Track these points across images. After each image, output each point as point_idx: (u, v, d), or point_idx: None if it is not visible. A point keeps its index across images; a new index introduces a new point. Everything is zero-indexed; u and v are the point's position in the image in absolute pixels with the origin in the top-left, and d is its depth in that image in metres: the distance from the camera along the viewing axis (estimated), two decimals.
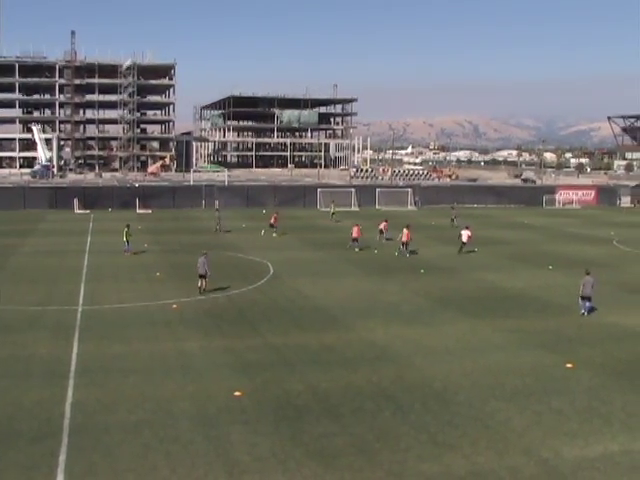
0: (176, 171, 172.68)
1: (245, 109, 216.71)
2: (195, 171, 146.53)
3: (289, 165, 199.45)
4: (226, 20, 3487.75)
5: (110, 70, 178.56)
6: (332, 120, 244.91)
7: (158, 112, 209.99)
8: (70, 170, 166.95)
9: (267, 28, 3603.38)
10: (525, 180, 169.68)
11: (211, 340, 29.24)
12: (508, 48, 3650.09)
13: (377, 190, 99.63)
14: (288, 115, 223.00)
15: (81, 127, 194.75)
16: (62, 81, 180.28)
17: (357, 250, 54.61)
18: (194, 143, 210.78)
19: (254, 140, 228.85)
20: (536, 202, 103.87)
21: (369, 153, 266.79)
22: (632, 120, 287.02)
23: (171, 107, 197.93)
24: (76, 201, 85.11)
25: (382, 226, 61.12)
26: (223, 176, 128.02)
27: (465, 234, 54.84)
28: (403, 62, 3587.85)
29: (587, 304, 35.00)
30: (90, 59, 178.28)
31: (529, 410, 21.82)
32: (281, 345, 28.65)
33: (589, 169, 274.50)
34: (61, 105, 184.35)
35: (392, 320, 33.08)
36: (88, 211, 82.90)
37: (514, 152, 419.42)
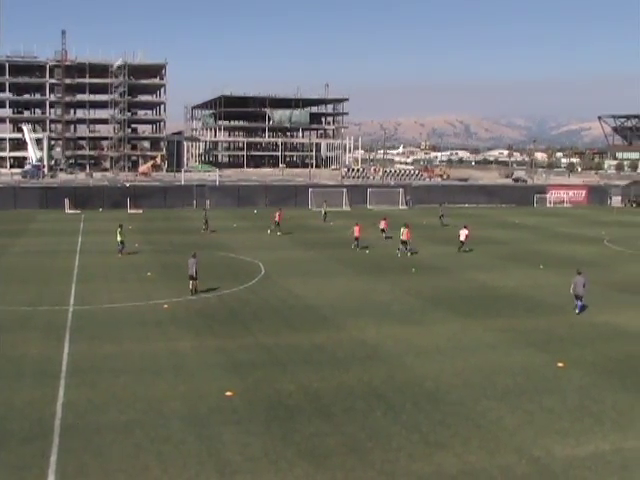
0: (167, 171, 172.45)
1: (236, 109, 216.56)
2: (186, 171, 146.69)
3: (280, 165, 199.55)
4: (217, 20, 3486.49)
5: (101, 70, 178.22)
6: (323, 120, 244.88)
7: (149, 112, 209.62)
8: (61, 170, 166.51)
9: (258, 28, 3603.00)
10: (516, 180, 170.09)
11: (202, 340, 29.20)
12: (500, 48, 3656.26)
13: (368, 190, 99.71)
14: (279, 115, 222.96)
15: (72, 127, 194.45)
16: (53, 81, 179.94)
17: (359, 249, 54.73)
18: (185, 143, 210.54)
19: (245, 140, 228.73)
20: (527, 202, 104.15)
21: (360, 153, 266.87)
22: (623, 120, 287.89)
23: (162, 107, 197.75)
24: (67, 201, 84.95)
25: (382, 224, 61.54)
26: (214, 176, 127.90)
27: (463, 233, 55.14)
28: (394, 62, 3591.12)
29: (579, 303, 35.29)
30: (81, 59, 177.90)
31: (520, 409, 21.85)
32: (272, 345, 28.64)
33: (580, 169, 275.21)
34: (52, 105, 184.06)
35: (383, 319, 33.08)
36: (79, 211, 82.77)
37: (505, 152, 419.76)
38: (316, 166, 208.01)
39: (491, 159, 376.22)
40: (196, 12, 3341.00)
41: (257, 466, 17.75)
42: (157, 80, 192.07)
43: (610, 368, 26.41)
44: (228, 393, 22.73)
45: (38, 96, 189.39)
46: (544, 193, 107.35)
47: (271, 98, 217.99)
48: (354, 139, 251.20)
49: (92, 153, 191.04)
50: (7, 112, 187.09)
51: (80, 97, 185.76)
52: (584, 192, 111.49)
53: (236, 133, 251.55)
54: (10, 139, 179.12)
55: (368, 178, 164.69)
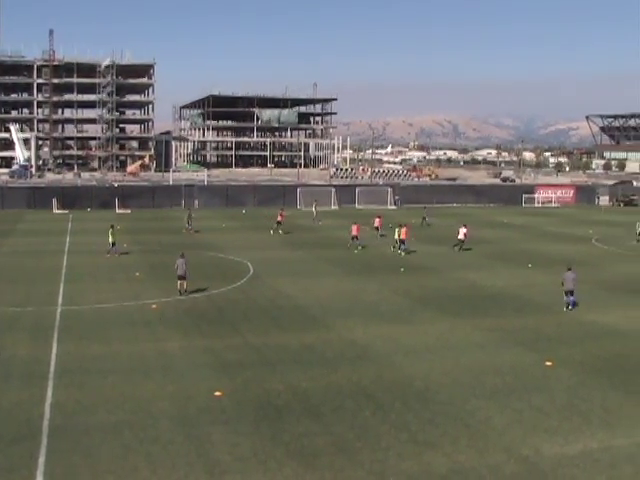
0: (155, 171, 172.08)
1: (224, 109, 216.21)
2: (174, 171, 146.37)
3: (269, 165, 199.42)
4: (206, 19, 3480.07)
5: (89, 69, 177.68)
6: (312, 119, 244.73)
7: (137, 112, 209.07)
8: (48, 170, 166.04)
9: (246, 28, 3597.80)
10: (504, 179, 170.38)
11: (191, 340, 29.17)
12: (487, 48, 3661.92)
13: (357, 189, 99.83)
14: (268, 114, 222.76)
15: (59, 127, 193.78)
16: (40, 80, 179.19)
17: (359, 248, 54.81)
18: (173, 143, 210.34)
19: (234, 140, 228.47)
20: (515, 201, 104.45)
21: (349, 152, 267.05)
22: (610, 120, 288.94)
23: (150, 106, 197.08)
24: (55, 201, 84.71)
25: (377, 222, 61.98)
26: (203, 176, 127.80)
27: (462, 232, 55.57)
28: (383, 62, 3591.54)
29: (571, 298, 35.66)
30: (68, 58, 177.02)
31: (509, 408, 21.89)
32: (261, 345, 28.62)
33: (568, 168, 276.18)
34: (39, 104, 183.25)
35: (372, 319, 33.11)
36: (67, 211, 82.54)
37: (493, 151, 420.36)
38: (305, 166, 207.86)
39: (479, 159, 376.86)
40: (184, 12, 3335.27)
41: (246, 466, 17.73)
42: (145, 80, 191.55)
43: (598, 367, 26.49)
44: (217, 393, 22.71)
45: (25, 96, 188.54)
46: (532, 193, 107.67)
47: (259, 98, 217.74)
48: (342, 139, 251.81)
49: (80, 153, 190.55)
50: None
51: (68, 97, 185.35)
52: (572, 191, 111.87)
53: (224, 133, 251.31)
54: None
55: (356, 178, 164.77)
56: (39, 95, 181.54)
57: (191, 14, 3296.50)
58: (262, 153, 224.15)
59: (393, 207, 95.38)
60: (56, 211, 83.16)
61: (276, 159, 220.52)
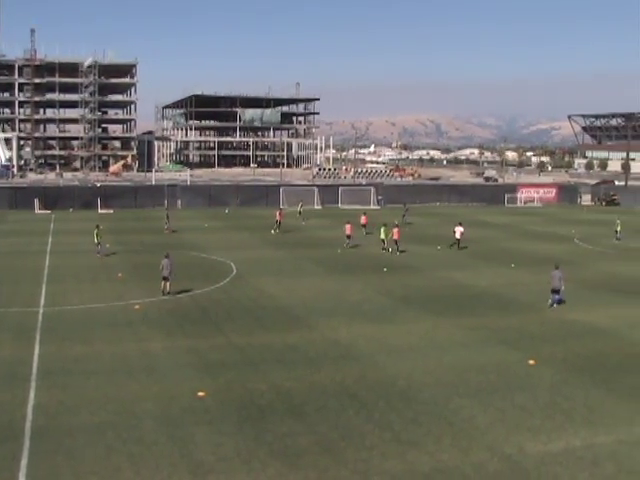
0: (138, 171, 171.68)
1: (207, 108, 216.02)
2: (157, 171, 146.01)
3: (252, 164, 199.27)
4: (188, 19, 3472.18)
5: (71, 69, 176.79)
6: (294, 119, 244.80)
7: (119, 111, 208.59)
8: (30, 170, 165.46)
9: (229, 27, 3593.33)
10: (487, 179, 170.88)
11: (174, 340, 29.11)
12: (470, 48, 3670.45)
13: (340, 189, 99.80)
14: (250, 114, 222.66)
15: (41, 126, 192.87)
16: (22, 80, 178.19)
17: (350, 247, 54.86)
18: (156, 142, 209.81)
19: (216, 139, 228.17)
20: (498, 200, 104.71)
21: (332, 152, 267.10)
22: (592, 119, 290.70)
23: (133, 106, 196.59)
24: (37, 201, 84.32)
25: (363, 220, 62.34)
26: (185, 176, 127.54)
27: (458, 230, 55.96)
28: (365, 61, 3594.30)
29: (556, 297, 36.07)
30: (50, 58, 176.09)
31: (492, 407, 21.96)
32: (244, 345, 28.59)
33: (550, 167, 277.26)
34: (21, 104, 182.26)
35: (355, 319, 33.13)
36: (49, 211, 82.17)
37: (476, 151, 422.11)
38: (287, 166, 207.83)
39: (462, 158, 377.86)
40: (167, 11, 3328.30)
41: (230, 466, 17.71)
42: (128, 79, 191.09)
43: (581, 365, 26.61)
44: (200, 393, 22.67)
45: (7, 95, 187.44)
46: (515, 192, 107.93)
47: (242, 98, 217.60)
48: (325, 138, 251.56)
49: (62, 153, 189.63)
50: None
51: (50, 96, 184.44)
52: (554, 191, 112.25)
53: (207, 133, 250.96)
54: None
55: (339, 177, 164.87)
56: (21, 95, 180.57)
57: (174, 14, 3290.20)
58: (245, 153, 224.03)
59: (376, 207, 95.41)
60: (38, 211, 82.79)
61: (259, 159, 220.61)
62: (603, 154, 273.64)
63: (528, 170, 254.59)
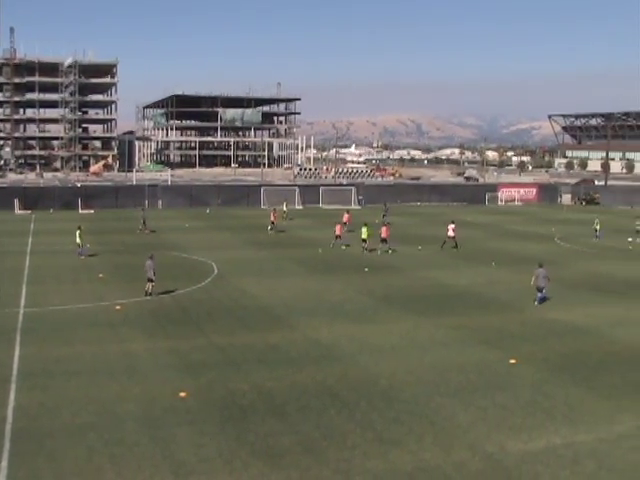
0: (119, 171, 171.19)
1: (188, 108, 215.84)
2: (138, 171, 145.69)
3: (232, 164, 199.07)
4: (169, 19, 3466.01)
5: (51, 68, 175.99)
6: (275, 119, 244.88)
7: (100, 111, 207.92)
8: (10, 170, 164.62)
9: (209, 27, 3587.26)
10: (468, 178, 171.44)
11: (155, 341, 29.04)
12: (450, 48, 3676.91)
13: (321, 189, 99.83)
14: (231, 114, 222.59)
15: (21, 126, 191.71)
16: (1, 79, 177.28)
17: (343, 247, 55.00)
18: (137, 142, 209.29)
19: (197, 139, 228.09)
20: (479, 200, 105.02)
21: (313, 152, 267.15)
22: (572, 119, 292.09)
23: (113, 106, 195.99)
24: (17, 201, 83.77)
25: (345, 218, 62.32)
26: (166, 176, 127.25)
27: (451, 228, 56.03)
28: (346, 61, 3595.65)
29: (539, 295, 36.63)
30: (30, 57, 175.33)
31: (474, 406, 22.03)
32: (226, 345, 28.56)
33: (531, 167, 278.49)
34: (0, 104, 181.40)
35: (337, 319, 33.16)
36: (29, 212, 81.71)
37: (457, 151, 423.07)
38: (268, 165, 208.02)
39: (443, 158, 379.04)
40: (147, 11, 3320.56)
41: (212, 466, 17.70)
42: (108, 79, 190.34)
43: (561, 364, 26.74)
44: (182, 394, 22.63)
45: None
46: (495, 191, 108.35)
47: (223, 97, 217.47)
48: (306, 138, 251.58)
49: (42, 153, 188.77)
50: None
51: (29, 96, 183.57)
52: (535, 190, 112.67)
53: (188, 132, 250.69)
54: None
55: (320, 177, 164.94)
56: (0, 95, 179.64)
57: (154, 14, 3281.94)
58: (226, 153, 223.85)
59: (357, 207, 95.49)
60: (18, 211, 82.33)
61: (240, 159, 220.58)
62: (583, 154, 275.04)
63: (509, 170, 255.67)
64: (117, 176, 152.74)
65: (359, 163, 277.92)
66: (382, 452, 18.66)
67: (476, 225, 74.97)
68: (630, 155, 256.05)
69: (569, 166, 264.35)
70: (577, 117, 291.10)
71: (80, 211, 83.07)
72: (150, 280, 37.20)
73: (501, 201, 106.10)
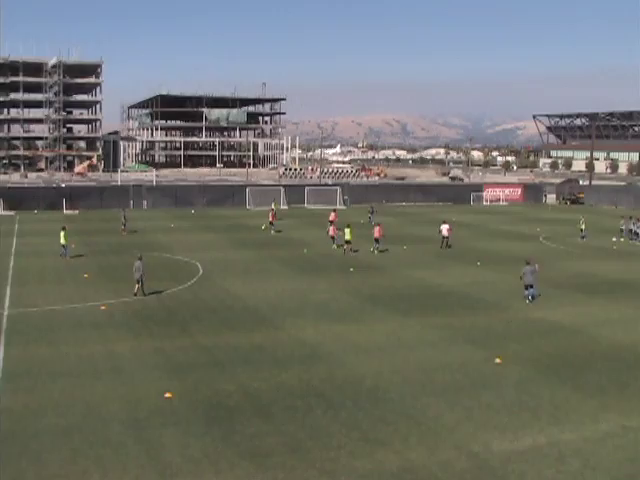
0: (103, 171, 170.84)
1: (173, 108, 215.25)
2: (123, 171, 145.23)
3: (218, 164, 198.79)
4: (154, 19, 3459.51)
5: (35, 68, 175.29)
6: (261, 119, 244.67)
7: (85, 111, 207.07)
8: None
9: (194, 27, 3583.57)
10: (453, 178, 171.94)
11: (141, 342, 28.96)
12: (435, 48, 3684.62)
13: (306, 189, 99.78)
14: (216, 114, 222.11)
15: (5, 126, 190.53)
16: None
17: (335, 247, 54.91)
18: (121, 143, 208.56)
19: (182, 139, 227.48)
20: (464, 200, 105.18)
21: (298, 152, 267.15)
22: (557, 119, 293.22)
23: (98, 106, 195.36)
24: (0, 202, 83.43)
25: (331, 217, 62.35)
26: (151, 176, 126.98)
27: (445, 228, 56.49)
28: (331, 61, 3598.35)
29: (528, 291, 37.19)
30: (14, 57, 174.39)
31: (459, 405, 22.06)
32: (211, 345, 28.52)
33: (515, 167, 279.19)
34: None
35: (322, 319, 33.15)
36: (13, 212, 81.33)
37: (442, 150, 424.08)
38: (254, 166, 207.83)
39: (428, 158, 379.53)
40: (132, 11, 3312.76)
41: (197, 467, 17.67)
42: (93, 79, 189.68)
43: (546, 363, 26.80)
44: (167, 395, 22.58)
45: None
46: (480, 191, 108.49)
47: (208, 97, 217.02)
48: (291, 138, 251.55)
49: (27, 153, 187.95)
50: None
51: (13, 96, 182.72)
52: (520, 190, 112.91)
53: (173, 133, 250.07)
54: None
55: (305, 177, 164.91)
56: None
57: (140, 14, 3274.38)
58: (211, 153, 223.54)
59: (342, 207, 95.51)
60: (2, 212, 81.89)
61: (225, 159, 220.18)
62: (568, 154, 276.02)
63: (493, 170, 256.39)
64: (102, 176, 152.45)
65: (344, 163, 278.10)
66: (368, 452, 18.67)
67: (461, 225, 74.99)
68: (614, 155, 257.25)
69: (554, 166, 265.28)
70: (562, 117, 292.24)
71: (65, 212, 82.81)
72: (139, 281, 37.10)
73: (486, 201, 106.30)
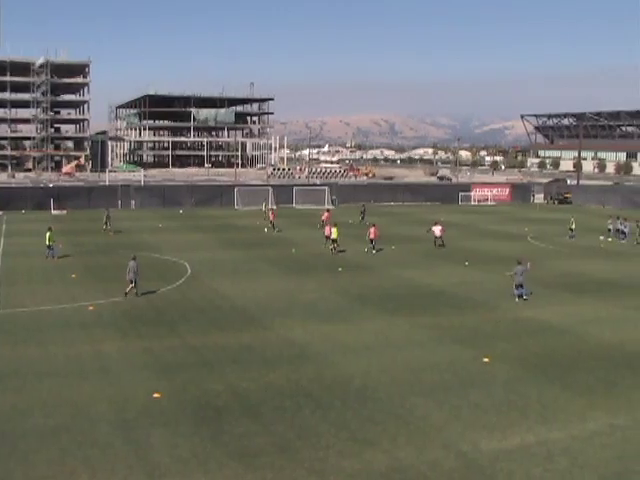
0: (91, 171, 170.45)
1: (161, 108, 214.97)
2: (111, 171, 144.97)
3: (206, 164, 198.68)
4: (141, 19, 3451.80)
5: (22, 68, 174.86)
6: (249, 119, 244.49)
7: (72, 111, 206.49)
8: None
9: (183, 27, 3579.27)
10: (441, 178, 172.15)
11: (129, 342, 28.90)
12: (423, 47, 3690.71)
13: (294, 189, 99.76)
14: (204, 114, 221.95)
15: None
16: None
17: (330, 247, 54.76)
18: (109, 143, 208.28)
19: (170, 139, 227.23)
20: (452, 199, 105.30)
21: (286, 152, 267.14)
22: (544, 119, 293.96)
23: (86, 106, 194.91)
24: None
25: (324, 217, 62.45)
26: (139, 176, 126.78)
27: (437, 229, 56.69)
28: (320, 60, 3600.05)
29: (517, 291, 37.52)
30: (1, 56, 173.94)
31: (448, 405, 22.09)
32: (200, 345, 28.48)
33: (503, 167, 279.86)
34: None
35: (311, 318, 33.15)
36: (0, 212, 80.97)
37: (430, 150, 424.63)
38: (242, 165, 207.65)
39: (416, 158, 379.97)
40: (120, 11, 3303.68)
41: (186, 467, 17.64)
42: (80, 79, 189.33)
43: (534, 362, 26.87)
44: (156, 395, 22.55)
45: None
46: (468, 191, 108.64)
47: (196, 97, 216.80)
48: (280, 138, 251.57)
49: (14, 153, 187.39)
50: None
51: (1, 96, 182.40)
52: (508, 190, 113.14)
53: (161, 133, 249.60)
54: None
55: (294, 177, 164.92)
56: None
57: (127, 13, 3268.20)
58: (199, 153, 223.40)
59: (331, 207, 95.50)
60: None
61: (213, 159, 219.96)
62: (555, 153, 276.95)
63: (481, 169, 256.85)
64: (90, 176, 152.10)
65: (332, 163, 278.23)
66: (356, 452, 18.68)
67: (450, 225, 74.84)
68: (602, 155, 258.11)
69: (542, 166, 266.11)
70: (549, 117, 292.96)
71: (52, 212, 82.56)
72: (131, 281, 36.99)
73: (474, 200, 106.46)
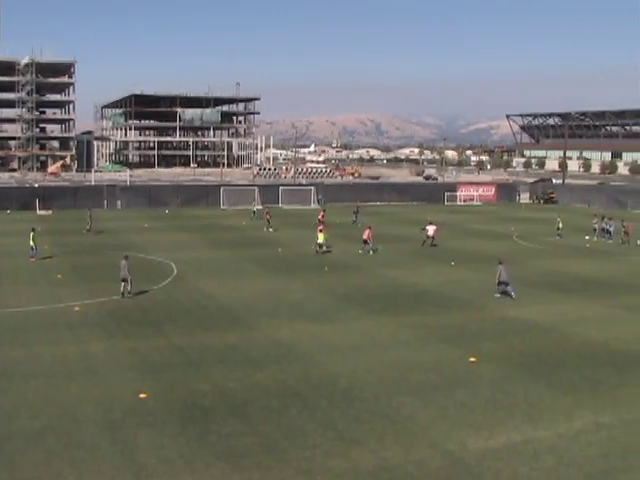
0: (77, 171, 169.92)
1: (147, 108, 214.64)
2: (96, 171, 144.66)
3: (192, 164, 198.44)
4: (128, 18, 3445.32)
5: (7, 67, 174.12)
6: (235, 119, 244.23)
7: (58, 111, 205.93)
8: None
9: (169, 27, 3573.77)
10: (427, 178, 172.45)
11: (115, 342, 28.83)
12: (409, 47, 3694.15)
13: (280, 189, 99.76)
14: (190, 114, 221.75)
15: None
16: None
17: (325, 249, 54.65)
18: (95, 142, 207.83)
19: (156, 139, 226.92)
20: (438, 199, 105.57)
21: (272, 152, 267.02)
22: (530, 118, 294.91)
23: (71, 106, 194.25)
24: None
25: (320, 216, 62.68)
26: (125, 176, 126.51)
27: (431, 228, 57.25)
28: (305, 60, 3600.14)
29: (504, 288, 38.03)
30: None
31: (434, 404, 22.12)
32: (186, 345, 28.44)
33: (489, 166, 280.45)
34: None
35: (297, 318, 33.14)
36: None
37: (416, 150, 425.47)
38: (228, 165, 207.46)
39: (402, 157, 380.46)
40: (106, 10, 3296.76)
41: (173, 468, 17.61)
42: (66, 79, 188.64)
43: (520, 361, 26.93)
44: (142, 395, 22.49)
45: None
46: (454, 190, 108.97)
47: (182, 97, 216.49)
48: (266, 138, 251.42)
49: None
50: None
51: None
52: (493, 189, 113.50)
53: (147, 132, 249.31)
54: None
55: (280, 177, 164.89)
56: None
57: (113, 13, 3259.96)
58: (185, 153, 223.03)
59: (317, 206, 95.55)
60: None
61: (199, 159, 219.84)
62: (541, 153, 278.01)
63: (467, 169, 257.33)
64: (75, 176, 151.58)
65: (319, 163, 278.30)
66: (343, 451, 18.68)
67: (435, 224, 75.16)
68: (587, 154, 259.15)
69: (527, 165, 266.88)
70: (535, 117, 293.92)
71: (38, 212, 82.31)
72: (124, 280, 36.91)
73: (460, 200, 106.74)
